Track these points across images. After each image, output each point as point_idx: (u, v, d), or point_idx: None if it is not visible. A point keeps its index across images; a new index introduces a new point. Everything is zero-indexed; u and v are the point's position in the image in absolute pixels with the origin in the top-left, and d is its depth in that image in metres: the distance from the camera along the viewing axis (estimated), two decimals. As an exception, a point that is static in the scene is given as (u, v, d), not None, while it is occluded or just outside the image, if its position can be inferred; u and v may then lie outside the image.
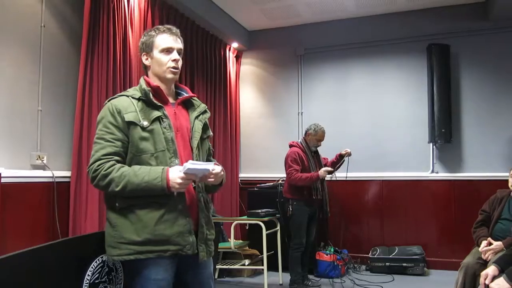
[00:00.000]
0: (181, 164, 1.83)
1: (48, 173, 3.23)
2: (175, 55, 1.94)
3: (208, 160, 2.08)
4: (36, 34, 3.26)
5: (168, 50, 1.93)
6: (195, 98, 2.07)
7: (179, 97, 2.03)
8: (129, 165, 1.83)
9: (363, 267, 5.17)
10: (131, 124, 1.82)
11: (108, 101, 1.92)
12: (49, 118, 3.32)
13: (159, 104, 1.89)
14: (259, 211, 4.48)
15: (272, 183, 5.29)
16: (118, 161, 1.82)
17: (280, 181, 5.13)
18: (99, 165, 1.78)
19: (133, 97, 1.88)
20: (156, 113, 1.86)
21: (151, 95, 1.88)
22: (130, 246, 1.78)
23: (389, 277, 4.72)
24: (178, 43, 1.97)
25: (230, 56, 6.00)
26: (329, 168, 4.24)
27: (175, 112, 1.95)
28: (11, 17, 3.07)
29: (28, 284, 1.69)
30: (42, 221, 3.17)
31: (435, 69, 5.09)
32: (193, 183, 1.89)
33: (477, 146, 5.14)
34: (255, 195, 5.29)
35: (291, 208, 4.23)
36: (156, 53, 1.94)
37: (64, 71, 3.47)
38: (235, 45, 6.01)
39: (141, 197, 1.79)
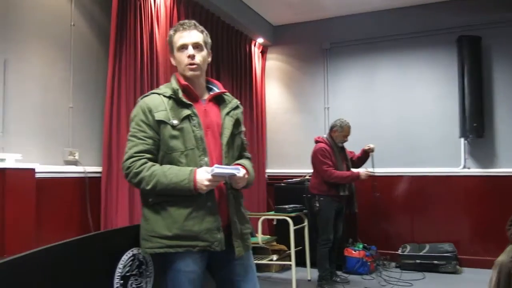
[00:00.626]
0: (211, 161, 1.86)
1: (80, 168, 3.31)
2: (189, 50, 1.90)
3: (241, 155, 2.07)
4: (67, 33, 3.33)
5: (183, 47, 1.91)
6: (227, 93, 2.05)
7: (210, 93, 2.01)
8: (161, 162, 1.86)
9: (393, 264, 5.09)
10: (161, 122, 1.84)
11: (141, 98, 1.94)
12: (80, 115, 3.40)
13: (189, 102, 1.89)
14: (286, 206, 4.46)
15: (299, 179, 5.27)
16: (149, 159, 1.84)
17: (307, 177, 5.10)
18: (131, 163, 1.82)
19: (164, 95, 1.89)
20: (186, 112, 1.87)
21: (180, 93, 1.88)
22: (161, 240, 1.82)
23: (419, 275, 4.63)
24: (192, 37, 1.92)
25: (256, 52, 6.00)
26: (370, 172, 4.23)
27: (205, 109, 1.94)
28: (42, 18, 3.15)
29: (63, 275, 1.74)
30: (75, 215, 3.25)
31: (465, 62, 4.95)
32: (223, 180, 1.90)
33: (511, 141, 4.97)
34: (282, 190, 5.28)
35: (318, 204, 4.21)
36: (175, 52, 1.94)
37: (93, 68, 3.54)
38: (260, 40, 6.00)
39: (172, 194, 1.81)
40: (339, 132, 4.30)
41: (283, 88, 6.20)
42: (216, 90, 2.02)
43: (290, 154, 5.96)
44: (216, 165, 1.76)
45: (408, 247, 4.99)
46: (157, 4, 4.02)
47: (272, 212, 4.63)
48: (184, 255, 1.83)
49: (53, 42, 3.23)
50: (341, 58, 5.85)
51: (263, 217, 4.55)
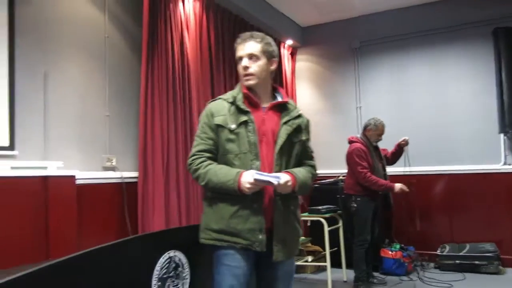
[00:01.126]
0: (263, 166, 1.97)
1: (117, 174, 3.42)
2: (243, 62, 2.03)
3: (301, 163, 2.14)
4: (101, 44, 3.46)
5: (240, 59, 2.05)
6: (290, 102, 2.12)
7: (273, 101, 2.09)
8: (219, 162, 2.01)
9: (431, 264, 4.97)
10: (219, 126, 2.00)
11: (209, 103, 2.13)
12: (116, 122, 3.52)
13: (247, 109, 2.00)
14: (320, 207, 4.45)
15: (332, 179, 5.24)
16: (209, 157, 2.01)
17: (340, 177, 5.06)
18: (192, 160, 2.02)
19: (227, 101, 2.04)
20: (243, 118, 1.99)
21: (239, 100, 2.01)
22: (210, 233, 1.99)
23: (459, 276, 4.51)
24: (246, 49, 2.03)
25: (285, 54, 6.01)
26: (406, 188, 4.20)
27: (263, 117, 2.03)
28: (78, 30, 3.28)
29: (104, 277, 1.81)
30: (114, 219, 3.36)
31: (502, 55, 4.79)
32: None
33: (554, 134, 4.78)
34: (316, 191, 5.26)
35: (355, 204, 4.17)
36: (238, 63, 2.08)
37: (127, 77, 3.65)
38: (289, 42, 6.02)
39: (220, 192, 1.96)
40: (374, 131, 4.26)
41: (314, 89, 6.18)
42: (279, 99, 2.10)
43: (323, 155, 5.88)
44: (256, 172, 1.88)
45: (447, 247, 4.87)
46: (187, 12, 4.11)
47: (306, 213, 4.62)
48: (228, 250, 1.94)
49: (89, 53, 3.36)
50: (372, 56, 5.79)
51: (297, 219, 4.54)
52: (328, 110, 6.05)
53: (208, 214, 2.02)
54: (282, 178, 1.90)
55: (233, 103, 2.02)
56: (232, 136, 1.97)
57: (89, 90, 3.33)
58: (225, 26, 4.68)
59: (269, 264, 2.00)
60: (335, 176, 5.29)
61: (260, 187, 1.91)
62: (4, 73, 2.74)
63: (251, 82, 2.03)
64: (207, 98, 4.30)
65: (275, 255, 1.95)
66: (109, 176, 3.37)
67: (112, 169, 3.42)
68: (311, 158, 2.21)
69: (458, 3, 5.27)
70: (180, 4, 4.02)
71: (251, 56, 2.02)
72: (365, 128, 4.33)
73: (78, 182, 2.92)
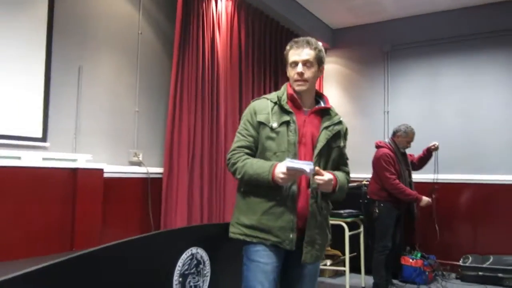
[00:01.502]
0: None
1: (143, 169, 3.49)
2: (299, 68, 2.05)
3: (338, 168, 2.18)
4: (134, 41, 3.53)
5: (294, 64, 2.07)
6: (332, 109, 2.16)
7: (316, 106, 2.14)
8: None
9: (453, 275, 4.88)
10: (261, 124, 2.04)
11: (253, 101, 2.17)
12: (144, 118, 3.59)
13: (290, 110, 2.05)
14: (342, 211, 4.42)
15: (355, 184, 5.20)
16: (248, 154, 2.05)
17: (364, 182, 5.02)
18: (231, 155, 2.06)
19: (271, 101, 2.09)
20: (286, 118, 2.03)
21: (284, 101, 2.06)
22: (241, 228, 2.03)
23: (482, 288, 4.43)
24: (302, 55, 2.05)
25: (314, 55, 5.98)
26: (430, 201, 4.18)
27: (305, 120, 2.07)
28: (113, 27, 3.37)
29: (127, 271, 1.85)
30: (137, 214, 3.44)
31: (539, 64, 4.65)
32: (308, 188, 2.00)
33: None
34: (338, 195, 5.22)
35: (377, 210, 4.13)
36: (288, 66, 2.11)
37: (158, 74, 3.72)
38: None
39: (259, 186, 1.97)
40: (403, 137, 4.20)
41: (342, 91, 6.14)
42: (322, 105, 2.15)
43: (349, 158, 5.87)
44: (289, 159, 1.87)
45: (470, 258, 4.77)
46: (219, 11, 4.15)
47: (327, 217, 4.60)
48: (259, 246, 1.97)
49: (122, 49, 3.44)
50: (402, 61, 5.70)
51: (318, 221, 4.53)
52: (355, 113, 6.00)
53: (240, 209, 2.06)
54: (312, 165, 1.89)
55: (276, 102, 2.07)
56: (272, 135, 2.01)
57: (120, 85, 3.41)
58: (255, 26, 4.70)
59: (297, 264, 2.04)
60: (359, 181, 5.25)
61: (295, 178, 1.94)
62: (41, 67, 2.85)
63: (303, 88, 2.06)
64: (235, 97, 4.34)
65: (304, 256, 1.99)
66: (135, 171, 3.45)
67: (138, 164, 3.50)
68: (347, 164, 2.25)
69: (493, 9, 5.14)
70: (213, 3, 4.06)
71: (306, 63, 2.05)
72: (395, 134, 4.27)
73: (105, 175, 3.00)
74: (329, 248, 4.93)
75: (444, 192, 5.18)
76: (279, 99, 2.07)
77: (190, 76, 3.75)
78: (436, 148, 4.31)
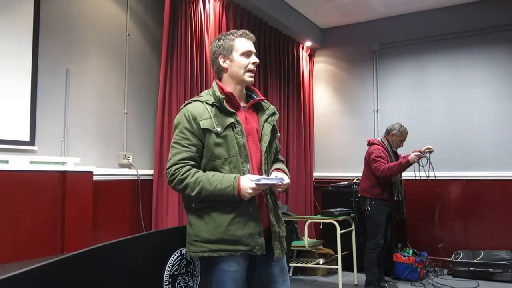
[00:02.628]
0: (252, 167, 1.92)
1: (133, 171, 3.48)
2: (254, 58, 1.99)
3: (275, 158, 2.12)
4: (122, 43, 3.53)
5: (247, 54, 1.97)
6: (264, 100, 2.10)
7: (250, 100, 2.06)
8: (204, 169, 1.91)
9: (445, 271, 4.92)
10: (206, 131, 1.88)
11: (184, 106, 1.98)
12: (133, 120, 3.58)
13: (232, 110, 1.93)
14: (333, 210, 4.44)
15: (346, 182, 5.23)
16: (193, 166, 1.89)
17: (355, 180, 5.05)
18: (176, 170, 1.87)
19: (207, 103, 1.93)
20: (229, 120, 1.91)
21: (224, 102, 1.93)
22: (205, 244, 1.89)
23: (473, 283, 4.46)
24: (254, 48, 2.02)
25: (303, 55, 6.01)
26: (419, 153, 4.00)
27: (246, 116, 2.00)
28: (101, 29, 3.36)
29: (117, 272, 1.85)
30: (128, 216, 3.43)
31: (525, 60, 4.71)
32: None
33: None
34: (330, 194, 5.26)
35: (369, 208, 4.16)
36: (236, 55, 1.97)
37: (146, 75, 3.72)
38: (308, 43, 6.01)
39: (216, 200, 1.87)
40: (397, 136, 4.21)
41: (331, 91, 6.17)
42: (255, 98, 2.07)
43: (338, 158, 5.92)
44: (262, 176, 1.84)
45: (462, 254, 4.81)
46: (207, 12, 4.15)
47: (319, 216, 4.62)
48: (227, 258, 1.89)
49: (110, 51, 3.43)
50: (391, 60, 5.74)
51: (309, 221, 4.55)
52: (345, 112, 6.03)
53: (198, 226, 1.90)
54: (285, 178, 1.90)
55: (213, 104, 1.92)
56: (219, 140, 1.87)
57: (108, 87, 3.40)
58: (244, 26, 4.71)
59: (265, 264, 1.99)
60: (349, 179, 5.28)
61: (260, 191, 1.88)
62: (27, 69, 2.83)
63: (252, 80, 2.00)
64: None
65: (276, 254, 1.94)
66: (125, 173, 3.44)
67: (128, 166, 3.49)
68: (279, 153, 2.19)
69: (480, 7, 5.19)
70: (201, 3, 4.06)
71: (256, 55, 2.01)
72: (389, 132, 4.28)
73: (95, 178, 2.99)
74: (321, 247, 4.95)
75: (434, 189, 5.22)
76: (219, 101, 1.92)
77: (179, 77, 3.75)
78: (431, 152, 4.13)
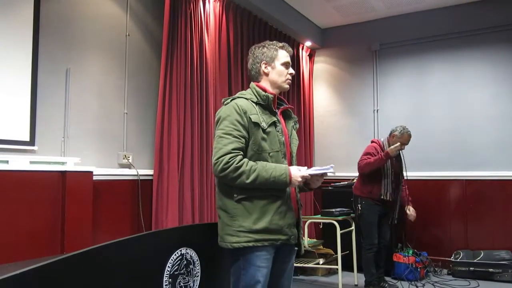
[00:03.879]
0: (288, 164, 2.09)
1: (133, 171, 3.48)
2: (291, 70, 2.19)
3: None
4: (122, 43, 3.52)
5: (287, 64, 2.18)
6: (291, 109, 2.29)
7: (279, 106, 2.22)
8: (253, 161, 2.01)
9: (445, 271, 4.92)
10: (255, 124, 2.01)
11: (231, 100, 2.09)
12: (133, 120, 3.58)
13: (275, 110, 2.13)
14: (333, 210, 4.45)
15: (346, 182, 5.23)
16: (244, 156, 2.00)
17: (355, 180, 5.04)
18: (230, 158, 1.93)
19: (252, 101, 2.09)
20: (273, 118, 2.09)
21: (271, 102, 2.10)
22: (249, 234, 1.96)
23: (473, 283, 4.46)
24: (290, 58, 2.21)
25: (304, 55, 6.01)
26: (398, 145, 3.97)
27: (280, 119, 2.17)
28: (101, 29, 3.36)
29: (117, 272, 1.85)
30: (128, 215, 3.43)
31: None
32: None
33: None
34: (330, 194, 5.26)
35: (359, 207, 4.16)
36: (278, 64, 2.16)
37: (146, 75, 3.72)
38: (308, 43, 6.01)
39: (261, 189, 1.97)
40: (398, 138, 4.16)
41: (331, 91, 6.17)
42: (285, 105, 2.25)
43: (338, 157, 5.91)
44: (314, 167, 2.06)
45: (462, 254, 4.81)
46: (207, 12, 4.15)
47: (319, 216, 4.62)
48: (263, 250, 1.97)
49: (110, 51, 3.43)
50: (391, 59, 5.74)
51: (309, 221, 4.56)
52: (345, 112, 6.03)
53: (241, 217, 1.96)
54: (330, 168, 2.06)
55: (257, 103, 2.08)
56: (264, 135, 2.03)
57: (108, 87, 3.40)
58: (244, 26, 4.71)
59: (280, 261, 2.10)
60: (349, 179, 5.28)
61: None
62: (27, 69, 2.83)
63: (289, 87, 2.20)
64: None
65: (302, 249, 2.14)
66: (125, 173, 3.44)
67: (128, 166, 3.49)
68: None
69: (480, 7, 5.19)
70: (201, 3, 4.06)
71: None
72: (390, 134, 4.25)
73: (94, 178, 2.99)
74: (321, 247, 4.95)
75: (434, 188, 5.23)
76: (267, 99, 2.08)
77: (179, 77, 3.75)
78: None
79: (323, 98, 6.21)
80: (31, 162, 2.71)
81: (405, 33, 5.62)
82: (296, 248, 2.16)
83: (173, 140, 3.63)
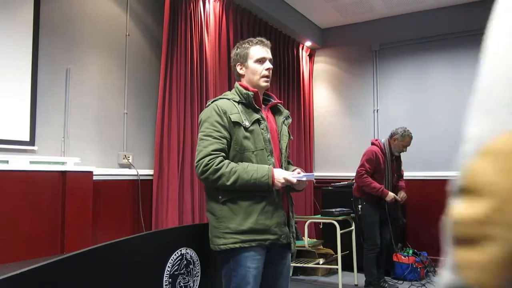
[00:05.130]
0: (276, 162, 2.06)
1: (133, 171, 3.48)
2: (267, 64, 2.11)
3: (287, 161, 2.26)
4: (122, 43, 3.52)
5: (261, 60, 2.11)
6: (280, 104, 2.26)
7: (267, 103, 2.20)
8: (233, 161, 1.99)
9: (445, 271, 4.92)
10: (236, 124, 2.00)
11: (212, 102, 2.09)
12: (133, 120, 3.58)
13: (258, 107, 2.08)
14: (333, 210, 4.44)
15: (346, 182, 5.23)
16: (224, 158, 1.98)
17: (354, 180, 5.04)
18: (210, 160, 1.93)
19: (233, 100, 2.07)
20: (256, 116, 2.05)
21: (252, 99, 2.06)
22: (235, 236, 1.94)
23: (473, 283, 4.45)
24: (269, 54, 2.14)
25: (303, 55, 6.01)
26: (398, 198, 4.13)
27: (267, 116, 2.13)
28: (101, 29, 3.36)
29: (117, 271, 1.85)
30: (128, 215, 3.43)
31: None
32: None
33: None
34: (330, 194, 5.26)
35: (360, 208, 4.15)
36: (250, 63, 2.12)
37: (146, 76, 3.72)
38: (308, 43, 6.01)
39: (244, 191, 1.95)
40: (399, 141, 4.14)
41: (331, 91, 6.17)
42: (273, 101, 2.23)
43: (338, 158, 5.92)
44: (302, 173, 2.02)
45: (462, 254, 4.80)
46: (207, 12, 4.15)
47: (319, 216, 4.62)
48: (252, 250, 1.95)
49: (110, 51, 3.43)
50: (391, 59, 5.74)
51: (309, 220, 4.55)
52: (345, 112, 6.03)
53: (227, 218, 1.96)
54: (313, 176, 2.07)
55: (240, 102, 2.06)
56: (247, 134, 2.00)
57: (108, 88, 3.40)
58: (244, 26, 4.72)
59: (275, 262, 2.08)
60: (349, 179, 5.28)
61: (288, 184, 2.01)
62: (27, 69, 2.83)
63: (268, 85, 2.13)
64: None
65: (292, 247, 2.08)
66: (125, 173, 3.44)
67: (128, 166, 3.49)
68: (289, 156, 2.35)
69: (480, 7, 5.19)
70: (201, 3, 4.06)
71: (271, 61, 2.14)
72: (391, 136, 4.22)
73: (95, 178, 2.99)
74: (321, 247, 4.95)
75: (434, 189, 5.23)
76: (247, 97, 2.05)
77: (179, 77, 3.75)
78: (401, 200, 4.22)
79: (323, 98, 6.21)
80: (31, 162, 2.71)
81: (405, 33, 5.62)
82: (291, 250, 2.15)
83: (173, 140, 3.63)
